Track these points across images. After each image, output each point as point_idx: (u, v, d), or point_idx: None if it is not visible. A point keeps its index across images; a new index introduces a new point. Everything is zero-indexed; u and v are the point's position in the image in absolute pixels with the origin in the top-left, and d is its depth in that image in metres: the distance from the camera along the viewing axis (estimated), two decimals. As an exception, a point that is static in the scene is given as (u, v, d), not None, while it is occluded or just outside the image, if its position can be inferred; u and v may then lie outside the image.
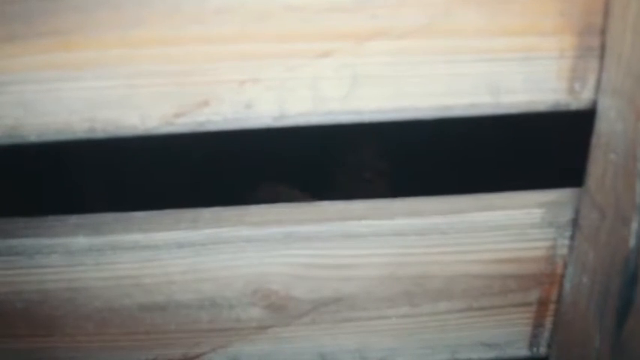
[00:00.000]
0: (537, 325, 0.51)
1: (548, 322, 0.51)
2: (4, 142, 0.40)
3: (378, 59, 0.39)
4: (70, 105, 0.39)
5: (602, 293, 0.42)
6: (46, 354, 0.51)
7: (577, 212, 0.45)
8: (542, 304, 0.50)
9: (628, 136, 0.37)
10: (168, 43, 0.38)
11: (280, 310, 0.49)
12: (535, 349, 0.52)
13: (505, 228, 0.47)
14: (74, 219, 0.46)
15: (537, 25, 0.39)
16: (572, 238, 0.46)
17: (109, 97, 0.39)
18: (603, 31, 0.38)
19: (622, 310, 0.40)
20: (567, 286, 0.48)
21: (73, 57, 0.38)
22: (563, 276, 0.48)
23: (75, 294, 0.47)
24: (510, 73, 0.40)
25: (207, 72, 0.39)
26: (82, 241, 0.46)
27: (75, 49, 0.38)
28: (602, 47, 0.39)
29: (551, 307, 0.50)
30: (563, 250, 0.47)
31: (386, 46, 0.39)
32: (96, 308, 0.49)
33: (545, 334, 0.52)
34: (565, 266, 0.47)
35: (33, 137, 0.40)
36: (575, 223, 0.46)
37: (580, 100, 0.41)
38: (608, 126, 0.39)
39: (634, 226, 0.37)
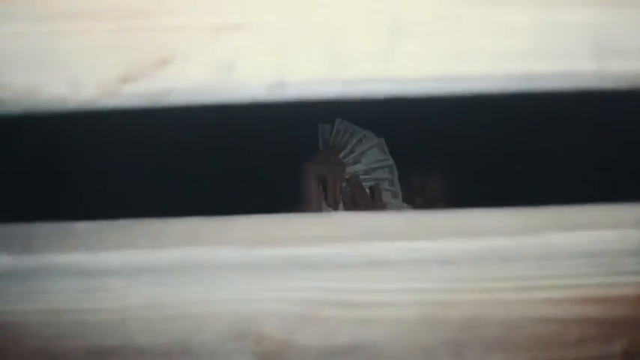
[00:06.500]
0: (622, 388, 0.44)
1: (638, 386, 0.44)
2: None
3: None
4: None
5: None
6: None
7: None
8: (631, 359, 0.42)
9: None
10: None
11: (277, 361, 0.42)
12: None
13: (587, 255, 0.39)
14: (-7, 230, 0.38)
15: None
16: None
17: (22, 53, 0.30)
18: None
19: None
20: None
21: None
22: (660, 323, 0.41)
23: (-1, 331, 0.40)
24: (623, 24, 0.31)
25: (167, 13, 0.30)
26: (4, 260, 0.38)
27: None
28: None
29: (643, 364, 0.43)
30: (664, 288, 0.39)
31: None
32: (28, 350, 0.41)
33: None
34: (664, 310, 0.40)
35: None
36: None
37: None
38: None
39: None
